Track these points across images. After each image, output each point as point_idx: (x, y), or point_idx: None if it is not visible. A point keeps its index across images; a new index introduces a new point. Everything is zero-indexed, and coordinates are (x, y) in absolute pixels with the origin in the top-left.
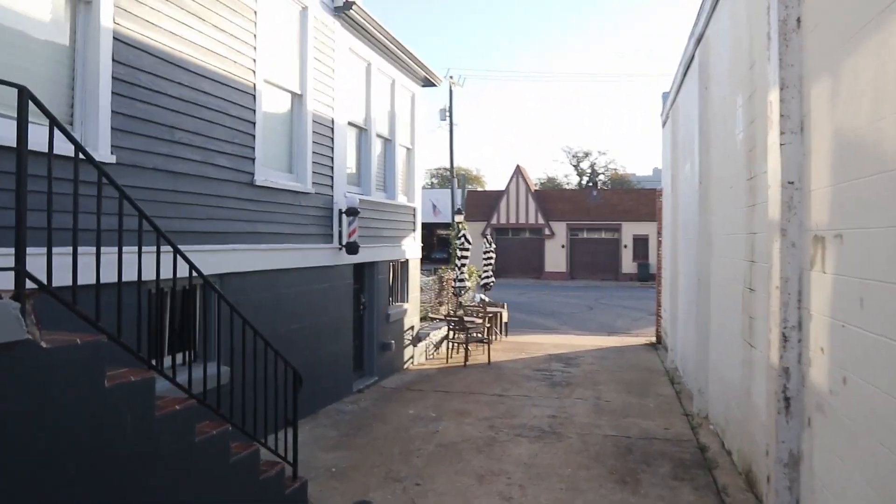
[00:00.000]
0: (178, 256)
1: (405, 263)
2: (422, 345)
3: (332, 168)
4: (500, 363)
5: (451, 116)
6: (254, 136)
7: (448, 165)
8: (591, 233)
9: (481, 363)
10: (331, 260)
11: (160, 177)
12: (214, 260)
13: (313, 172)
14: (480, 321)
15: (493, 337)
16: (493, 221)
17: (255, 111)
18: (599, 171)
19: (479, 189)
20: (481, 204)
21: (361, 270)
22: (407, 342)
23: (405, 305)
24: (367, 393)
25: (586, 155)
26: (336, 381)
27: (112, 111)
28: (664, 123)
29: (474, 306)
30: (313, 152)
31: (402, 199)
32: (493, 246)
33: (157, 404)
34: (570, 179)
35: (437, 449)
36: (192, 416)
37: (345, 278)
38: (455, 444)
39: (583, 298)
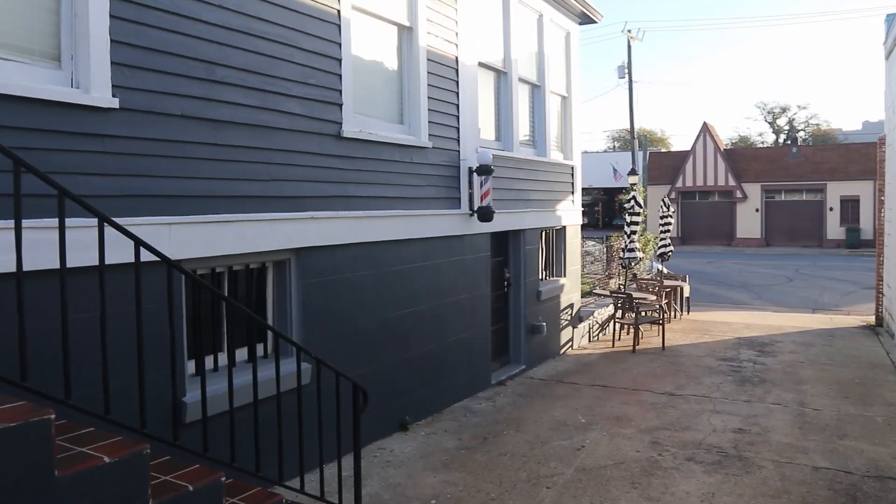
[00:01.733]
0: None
1: (561, 231)
2: (583, 325)
3: (457, 118)
4: (677, 349)
5: (629, 73)
6: (340, 77)
7: (629, 127)
8: (789, 195)
9: (654, 348)
10: (459, 228)
11: (192, 126)
12: (284, 231)
13: (431, 123)
14: (654, 297)
15: (672, 315)
16: (679, 185)
17: (340, 45)
18: (798, 128)
19: (664, 150)
20: (665, 166)
21: (504, 240)
22: (564, 323)
23: (561, 280)
24: (510, 386)
25: (783, 110)
26: (469, 373)
27: (111, 40)
28: (888, 54)
29: (648, 280)
30: (430, 98)
31: (555, 156)
32: (671, 210)
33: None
34: (765, 138)
35: (576, 475)
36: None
37: (479, 250)
38: (602, 468)
39: (780, 268)
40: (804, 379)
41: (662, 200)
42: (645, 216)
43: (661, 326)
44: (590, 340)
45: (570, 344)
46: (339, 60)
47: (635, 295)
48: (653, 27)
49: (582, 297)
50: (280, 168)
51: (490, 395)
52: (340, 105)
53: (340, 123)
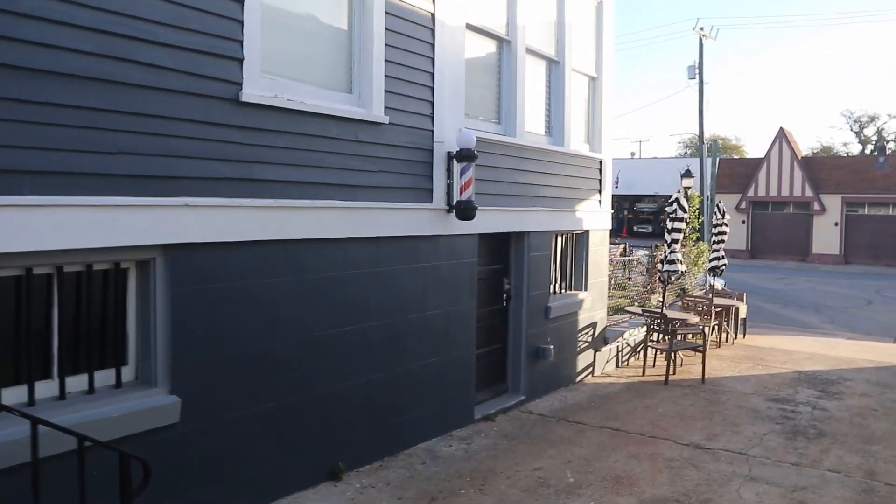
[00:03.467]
0: None
1: (582, 237)
2: (609, 348)
3: (431, 91)
4: (720, 382)
5: (700, 74)
6: (240, 25)
7: (698, 132)
8: (873, 208)
9: (692, 379)
10: (430, 227)
11: None
12: (139, 221)
13: (390, 94)
14: (697, 318)
15: (722, 338)
16: (750, 194)
17: None
18: (888, 139)
19: (736, 157)
20: (736, 173)
21: (503, 245)
22: (583, 345)
23: (581, 295)
24: (498, 422)
25: (872, 119)
26: (439, 406)
27: None
28: None
29: (696, 297)
30: (389, 62)
31: (577, 146)
32: (726, 218)
33: None
34: (850, 149)
35: None
36: None
37: (460, 255)
38: None
39: (858, 288)
40: (877, 435)
41: (717, 206)
42: (699, 224)
43: (702, 354)
44: (617, 366)
45: (590, 370)
46: (240, 2)
47: (671, 315)
48: (728, 25)
49: (612, 314)
50: (135, 138)
51: (467, 435)
52: (240, 61)
53: (240, 84)
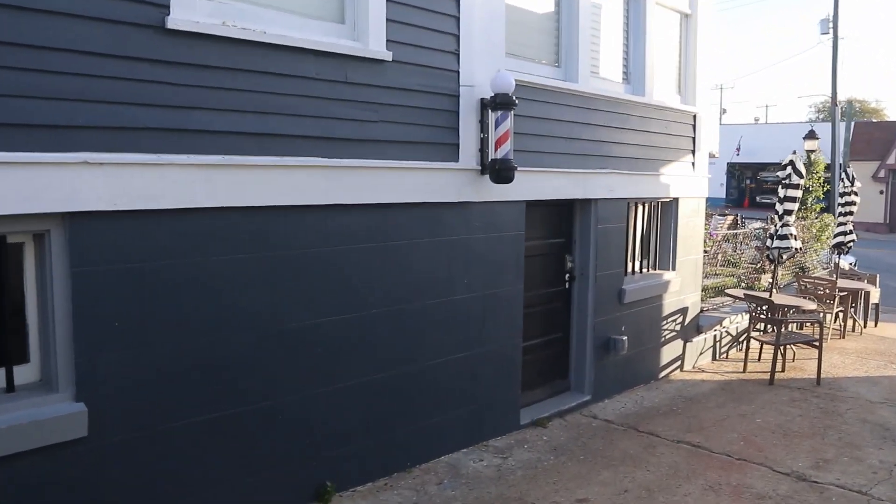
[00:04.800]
0: None
1: (670, 206)
2: (703, 338)
3: (456, 22)
4: (840, 383)
5: (835, 28)
6: None
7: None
8: None
9: (804, 378)
10: (456, 191)
11: None
12: (28, 182)
13: (395, 24)
14: (813, 305)
15: (849, 325)
16: (890, 161)
17: None
18: None
19: (875, 121)
20: (874, 139)
21: (564, 214)
22: (669, 335)
23: (667, 275)
24: (550, 429)
25: None
26: (470, 411)
27: None
28: None
29: (815, 279)
30: None
31: (663, 96)
32: (856, 186)
33: None
34: None
35: None
36: None
37: (501, 226)
38: None
39: None
40: None
41: (844, 171)
42: (823, 193)
43: (818, 350)
44: (714, 358)
45: (677, 364)
46: None
47: (780, 300)
48: None
49: (713, 296)
50: (16, 76)
51: (507, 446)
52: None
53: (166, 7)
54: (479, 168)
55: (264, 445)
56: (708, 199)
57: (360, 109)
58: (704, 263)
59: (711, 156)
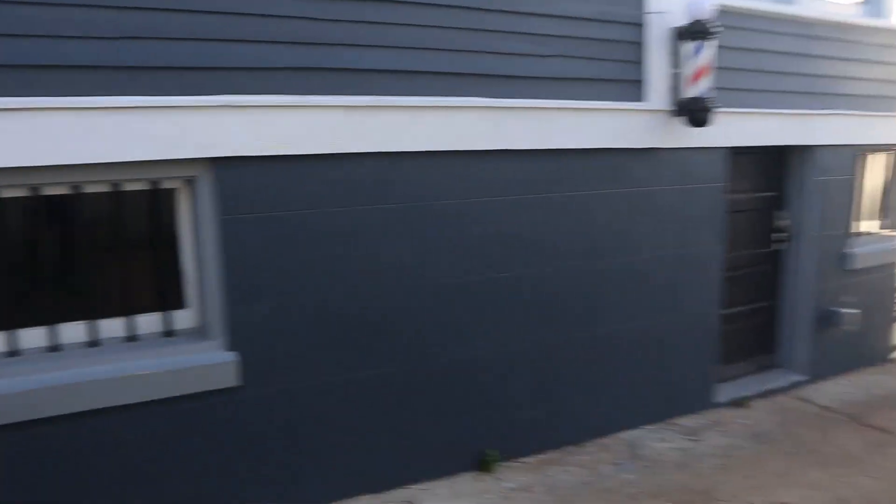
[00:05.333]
0: None
1: None
2: None
3: None
4: None
5: None
6: None
7: None
8: None
9: None
10: (640, 135)
11: None
12: (175, 126)
13: None
14: None
15: None
16: None
17: None
18: None
19: None
20: None
21: (777, 163)
22: None
23: None
24: (753, 410)
25: None
26: (657, 384)
27: None
28: None
29: None
30: None
31: None
32: None
33: None
34: None
35: None
36: None
37: (695, 176)
38: None
39: None
40: None
41: None
42: None
43: None
44: None
45: None
46: None
47: None
48: None
49: None
50: (143, 17)
51: (698, 427)
52: None
53: None
54: (671, 109)
55: (419, 408)
56: None
57: (527, 42)
58: None
59: None
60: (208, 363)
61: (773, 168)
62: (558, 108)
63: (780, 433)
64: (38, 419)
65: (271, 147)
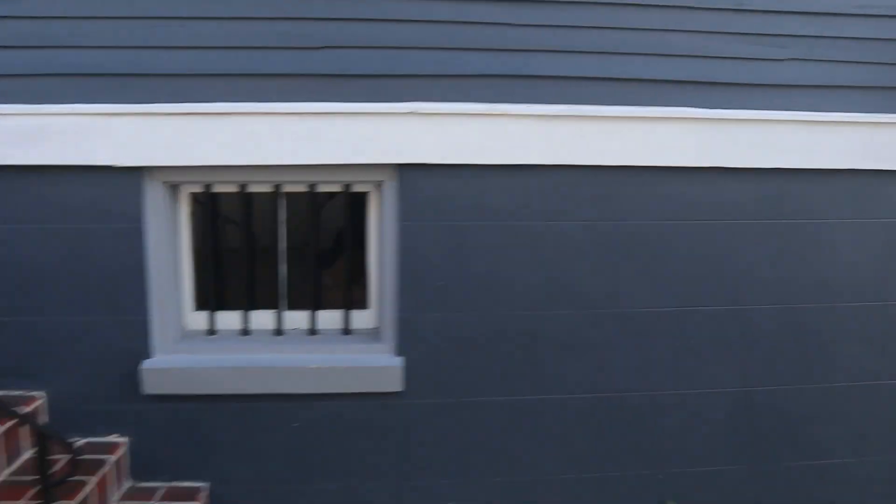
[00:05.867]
0: None
1: None
2: None
3: None
4: None
5: None
6: None
7: None
8: None
9: None
10: (890, 156)
11: None
12: (364, 131)
13: None
14: None
15: None
16: None
17: None
18: None
19: None
20: None
21: None
22: None
23: None
24: None
25: None
26: (892, 461)
27: None
28: None
29: None
30: None
31: None
32: None
33: None
34: None
35: None
36: None
37: None
38: None
39: None
40: None
41: None
42: None
43: None
44: None
45: None
46: None
47: None
48: None
49: None
50: (345, 28)
51: None
52: None
53: None
54: None
55: (589, 444)
56: None
57: (757, 44)
58: None
59: None
60: (379, 365)
61: None
62: (788, 121)
63: None
64: (224, 395)
65: (454, 155)
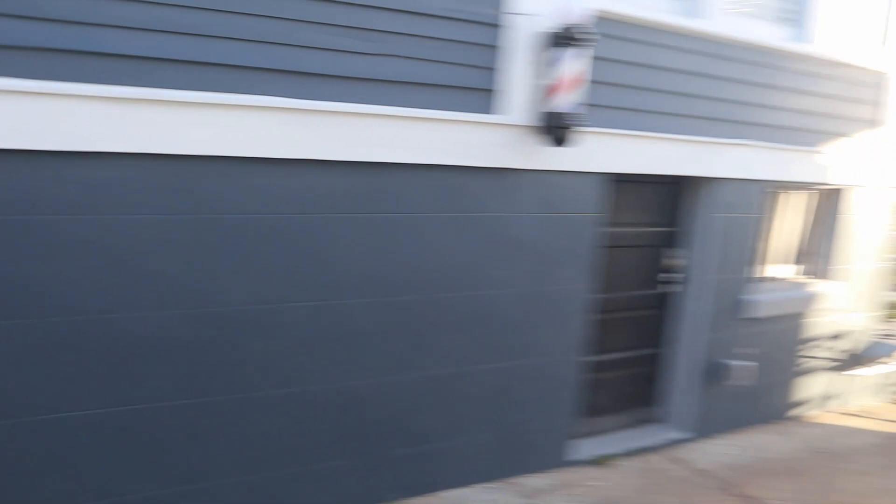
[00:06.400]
0: None
1: (835, 195)
2: (871, 372)
3: None
4: None
5: None
6: None
7: None
8: None
9: None
10: (491, 152)
11: None
12: None
13: None
14: None
15: None
16: None
17: None
18: None
19: None
20: None
21: (672, 194)
22: (817, 363)
23: (821, 286)
24: (614, 471)
25: None
26: (498, 437)
27: None
28: None
29: None
30: None
31: (838, 47)
32: None
33: None
34: None
35: None
36: None
37: (560, 203)
38: None
39: None
40: None
41: None
42: None
43: None
44: (887, 399)
45: (826, 402)
46: None
47: None
48: None
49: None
50: None
51: (541, 488)
52: None
53: None
54: (534, 125)
55: (184, 457)
56: None
57: (347, 37)
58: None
59: None
60: None
61: (668, 200)
62: (381, 116)
63: (635, 501)
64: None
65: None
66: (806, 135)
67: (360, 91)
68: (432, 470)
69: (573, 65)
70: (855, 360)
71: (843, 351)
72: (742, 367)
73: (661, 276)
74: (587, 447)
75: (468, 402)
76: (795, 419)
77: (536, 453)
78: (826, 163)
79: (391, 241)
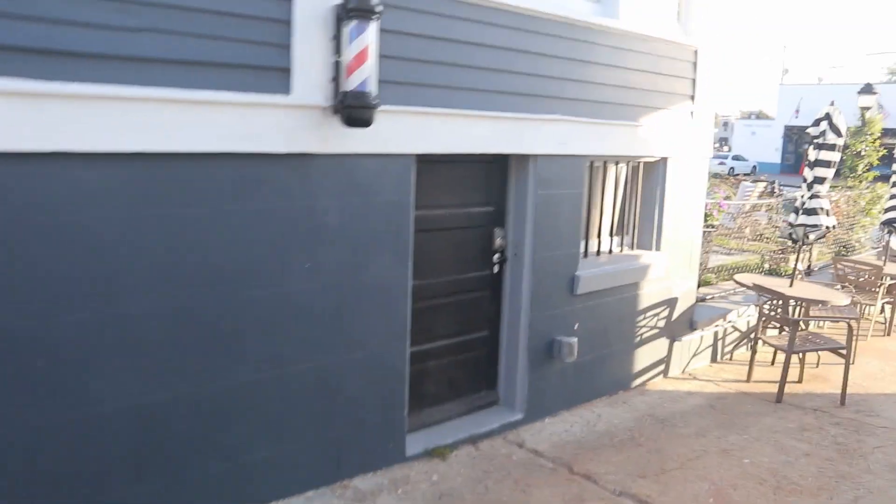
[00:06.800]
0: None
1: (656, 167)
2: (698, 336)
3: None
4: (870, 402)
5: None
6: None
7: None
8: None
9: (826, 395)
10: (289, 137)
11: None
12: None
13: None
14: (846, 299)
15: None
16: None
17: None
18: None
19: None
20: None
21: (494, 173)
22: (650, 332)
23: (648, 256)
24: (450, 462)
25: None
26: (324, 439)
27: None
28: None
29: (855, 264)
30: None
31: (648, 22)
32: None
33: None
34: None
35: None
36: None
37: (368, 188)
38: None
39: None
40: None
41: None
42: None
43: (846, 359)
44: (715, 360)
45: (661, 370)
46: None
47: (797, 292)
48: None
49: (726, 279)
50: None
51: (373, 489)
52: None
53: None
54: (330, 105)
55: None
56: (760, 164)
57: (106, 10)
58: (723, 237)
59: (765, 116)
60: None
61: (489, 180)
62: (154, 100)
63: (471, 491)
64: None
65: None
66: (623, 109)
67: (125, 72)
68: (253, 483)
69: (364, 39)
70: (681, 326)
71: (674, 318)
72: (571, 344)
73: (491, 258)
74: (422, 439)
75: (288, 405)
76: (635, 389)
77: (369, 452)
78: (644, 136)
79: (182, 239)
